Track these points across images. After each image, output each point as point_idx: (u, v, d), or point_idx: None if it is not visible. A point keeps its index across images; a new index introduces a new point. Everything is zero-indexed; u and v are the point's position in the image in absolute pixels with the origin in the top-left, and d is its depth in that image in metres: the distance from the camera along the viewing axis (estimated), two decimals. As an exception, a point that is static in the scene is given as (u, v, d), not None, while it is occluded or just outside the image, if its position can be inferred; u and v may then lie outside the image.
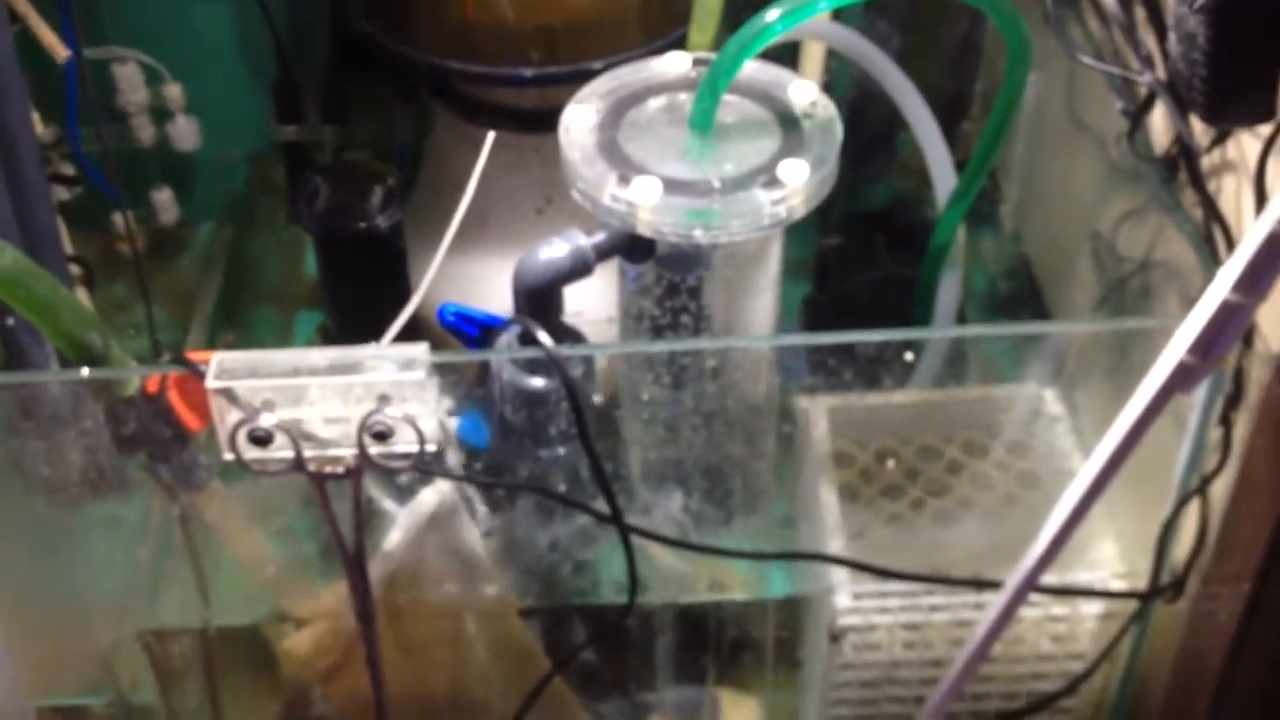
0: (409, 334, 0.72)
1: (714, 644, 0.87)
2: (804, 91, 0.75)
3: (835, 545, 0.82)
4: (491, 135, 0.85)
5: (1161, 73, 0.69)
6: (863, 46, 0.87)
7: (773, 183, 0.70)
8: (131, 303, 1.05)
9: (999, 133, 0.86)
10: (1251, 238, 0.58)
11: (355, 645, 0.75)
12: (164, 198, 1.13)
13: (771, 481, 0.86)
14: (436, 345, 0.83)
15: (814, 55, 0.95)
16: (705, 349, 0.74)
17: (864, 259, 1.04)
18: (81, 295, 1.00)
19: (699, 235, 0.69)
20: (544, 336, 0.68)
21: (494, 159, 0.92)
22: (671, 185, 0.69)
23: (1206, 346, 0.62)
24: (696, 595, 0.80)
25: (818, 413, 0.92)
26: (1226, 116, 0.58)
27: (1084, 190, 0.93)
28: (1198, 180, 0.70)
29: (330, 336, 0.95)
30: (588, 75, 0.82)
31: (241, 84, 1.09)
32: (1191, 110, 0.58)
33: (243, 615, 0.80)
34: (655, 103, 0.75)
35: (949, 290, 0.95)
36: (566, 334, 0.75)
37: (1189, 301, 0.77)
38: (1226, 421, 0.74)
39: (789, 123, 0.73)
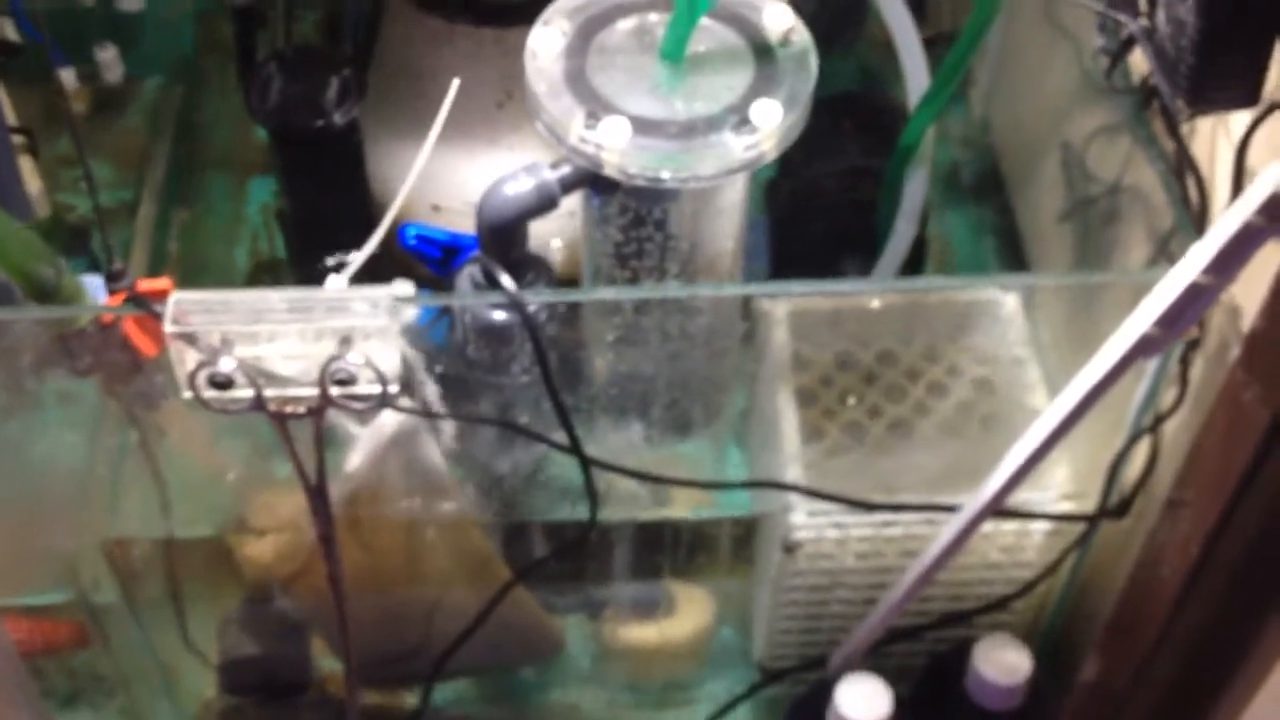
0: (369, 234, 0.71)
1: (670, 546, 0.88)
2: (780, 18, 0.72)
3: (791, 456, 0.83)
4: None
5: (1145, 20, 0.67)
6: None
7: (744, 124, 0.68)
8: (80, 156, 1.03)
9: (968, 50, 0.84)
10: (1227, 222, 0.58)
11: (316, 554, 0.76)
12: (108, 56, 1.09)
13: (732, 392, 0.87)
14: (399, 261, 0.83)
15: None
16: (670, 295, 0.73)
17: (830, 147, 1.02)
18: (26, 163, 0.98)
19: (667, 178, 0.67)
20: (506, 280, 0.67)
21: (452, 50, 0.90)
22: (640, 125, 0.67)
23: (1172, 320, 0.62)
24: (654, 513, 0.81)
25: (778, 315, 0.92)
26: (1211, 102, 0.56)
27: (1057, 95, 0.91)
28: (1176, 134, 0.69)
29: (286, 223, 0.93)
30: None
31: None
32: (1176, 93, 0.57)
33: (204, 526, 0.81)
34: (625, 24, 0.73)
35: (915, 187, 0.94)
36: (531, 265, 0.74)
37: (1154, 235, 0.78)
38: (1184, 361, 0.74)
39: (763, 53, 0.71)
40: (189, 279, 0.98)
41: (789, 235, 1.02)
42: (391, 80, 0.93)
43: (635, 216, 0.73)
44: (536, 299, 0.68)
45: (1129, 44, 0.72)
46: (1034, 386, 0.89)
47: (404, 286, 0.83)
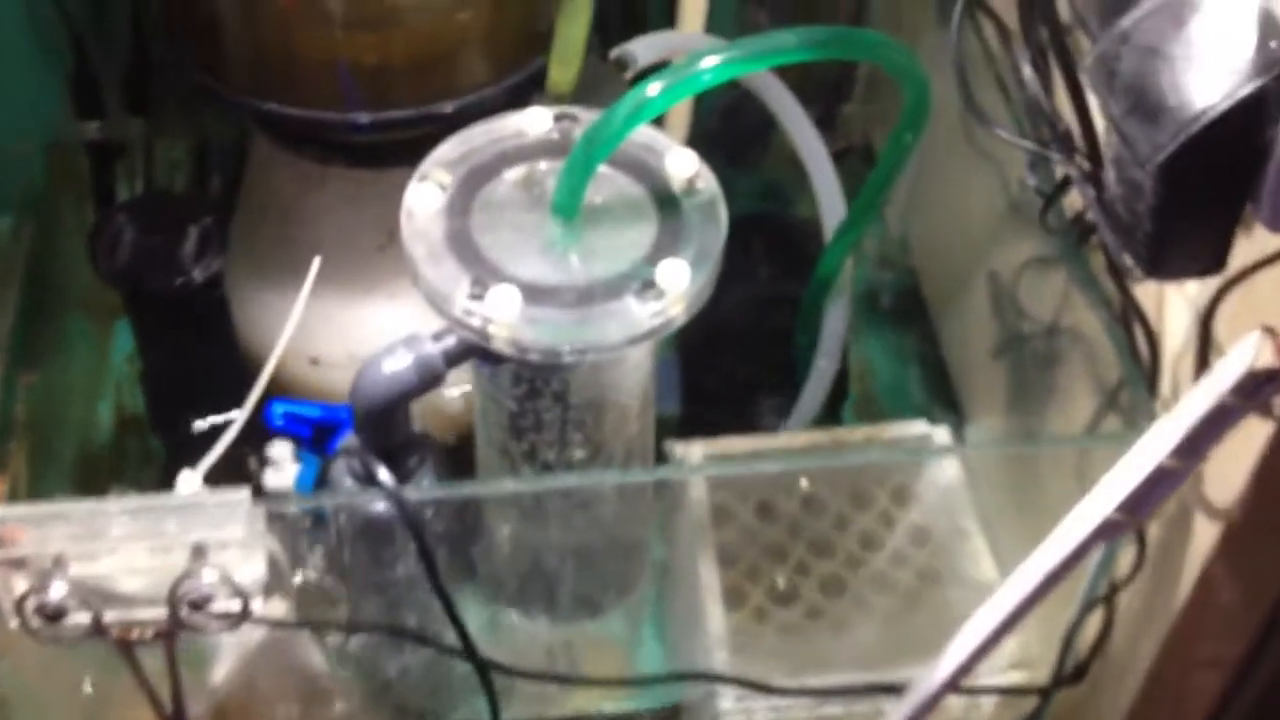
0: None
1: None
2: (683, 163, 0.65)
3: (715, 636, 0.75)
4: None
5: (1084, 162, 0.61)
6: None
7: (649, 288, 0.60)
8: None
9: (887, 180, 0.77)
10: (1196, 401, 0.52)
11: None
12: (-51, 194, 0.99)
13: (645, 559, 0.79)
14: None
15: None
16: (572, 485, 0.65)
17: (740, 272, 0.95)
18: None
19: (565, 354, 0.60)
20: (384, 475, 0.59)
21: (325, 192, 0.82)
22: (532, 293, 0.60)
23: (1137, 505, 0.55)
24: (563, 712, 0.72)
25: (693, 460, 0.85)
26: (1172, 271, 0.50)
27: (981, 221, 0.85)
28: (1123, 286, 0.63)
29: (146, 385, 0.84)
30: (433, 119, 0.72)
31: (35, 72, 0.95)
32: (1132, 259, 0.50)
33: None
34: (512, 175, 0.65)
35: (835, 320, 0.88)
36: (415, 447, 0.65)
37: (1099, 384, 0.71)
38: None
39: (667, 204, 0.64)
40: (42, 446, 0.88)
41: (700, 371, 0.95)
42: (260, 224, 0.85)
43: (531, 388, 0.65)
44: (419, 495, 0.60)
45: (1064, 186, 0.66)
46: (972, 534, 0.83)
47: (281, 448, 0.75)
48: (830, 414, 0.93)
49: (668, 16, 0.86)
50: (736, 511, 0.85)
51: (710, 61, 0.59)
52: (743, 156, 1.02)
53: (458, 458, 0.72)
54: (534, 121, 0.67)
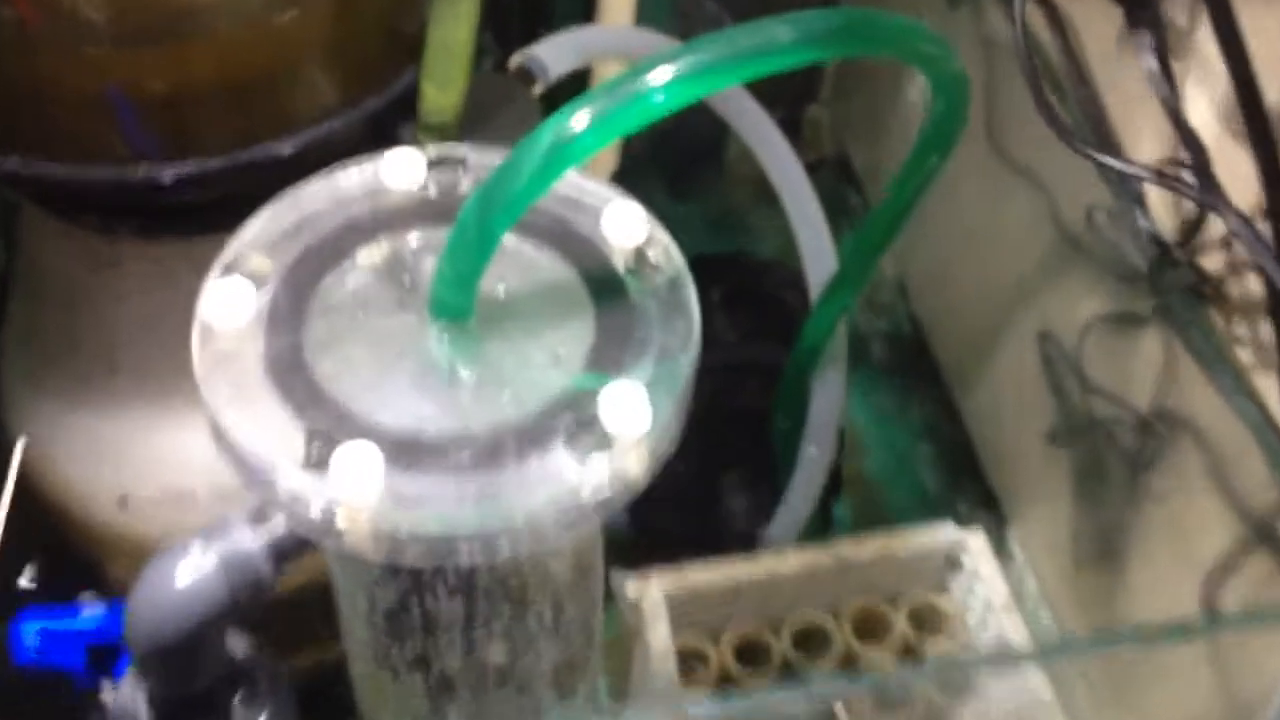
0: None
1: None
2: (628, 224, 0.43)
3: None
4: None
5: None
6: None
7: (587, 430, 0.38)
8: None
9: (898, 216, 0.56)
10: None
11: None
12: None
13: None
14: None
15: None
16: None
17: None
18: None
19: (461, 553, 0.37)
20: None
21: (122, 272, 0.59)
22: (405, 452, 0.37)
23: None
24: None
25: (651, 602, 0.64)
26: None
27: (1018, 259, 0.64)
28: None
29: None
30: (261, 168, 0.50)
31: None
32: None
33: None
34: (367, 256, 0.43)
35: (827, 399, 0.67)
36: (242, 678, 0.43)
37: (1232, 499, 0.50)
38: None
39: (606, 290, 0.42)
40: None
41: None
42: (38, 316, 0.62)
43: (416, 581, 0.42)
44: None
45: (1197, 226, 0.45)
46: (1025, 669, 0.62)
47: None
48: (819, 508, 0.72)
49: (583, 6, 0.64)
50: (709, 656, 0.64)
51: (664, 74, 0.37)
52: (687, 182, 0.80)
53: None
54: (399, 170, 0.44)
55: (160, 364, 0.59)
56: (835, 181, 0.82)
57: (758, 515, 0.71)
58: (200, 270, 0.54)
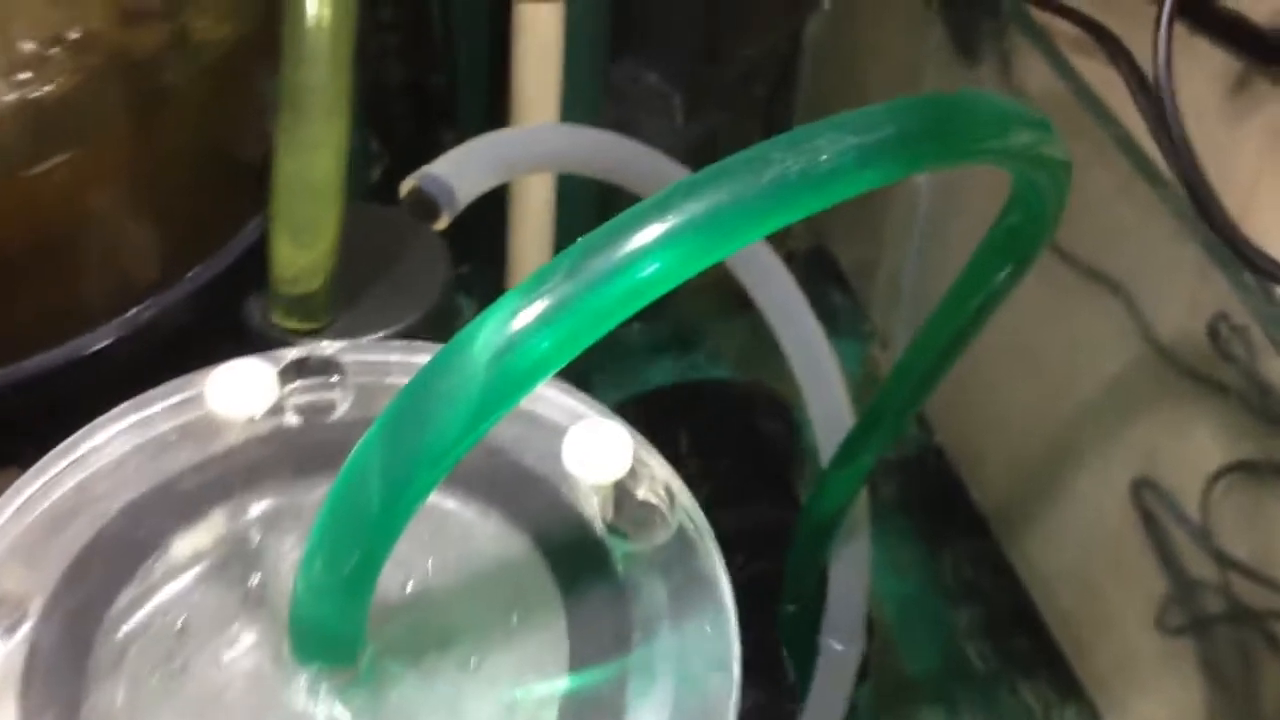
0: None
1: None
2: (603, 450, 0.27)
3: None
4: None
5: None
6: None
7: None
8: None
9: (958, 342, 0.40)
10: None
11: None
12: None
13: None
14: None
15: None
16: None
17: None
18: None
19: None
20: None
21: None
22: None
23: None
24: None
25: None
26: None
27: (1089, 381, 0.49)
28: None
29: None
30: (43, 383, 0.34)
31: None
32: None
33: None
34: (188, 545, 0.26)
35: (849, 573, 0.51)
36: None
37: None
38: None
39: (578, 560, 0.26)
40: None
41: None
42: None
43: None
44: None
45: None
46: None
47: None
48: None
49: (485, 108, 0.48)
50: None
51: (655, 232, 0.22)
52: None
53: None
54: (234, 390, 0.28)
55: None
56: (811, 277, 0.66)
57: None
58: None
